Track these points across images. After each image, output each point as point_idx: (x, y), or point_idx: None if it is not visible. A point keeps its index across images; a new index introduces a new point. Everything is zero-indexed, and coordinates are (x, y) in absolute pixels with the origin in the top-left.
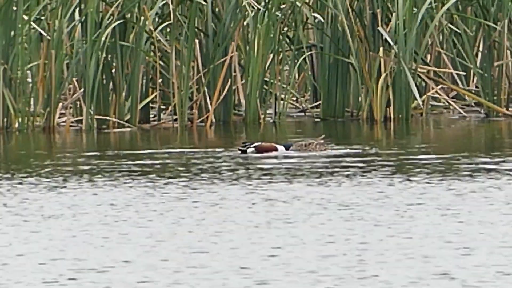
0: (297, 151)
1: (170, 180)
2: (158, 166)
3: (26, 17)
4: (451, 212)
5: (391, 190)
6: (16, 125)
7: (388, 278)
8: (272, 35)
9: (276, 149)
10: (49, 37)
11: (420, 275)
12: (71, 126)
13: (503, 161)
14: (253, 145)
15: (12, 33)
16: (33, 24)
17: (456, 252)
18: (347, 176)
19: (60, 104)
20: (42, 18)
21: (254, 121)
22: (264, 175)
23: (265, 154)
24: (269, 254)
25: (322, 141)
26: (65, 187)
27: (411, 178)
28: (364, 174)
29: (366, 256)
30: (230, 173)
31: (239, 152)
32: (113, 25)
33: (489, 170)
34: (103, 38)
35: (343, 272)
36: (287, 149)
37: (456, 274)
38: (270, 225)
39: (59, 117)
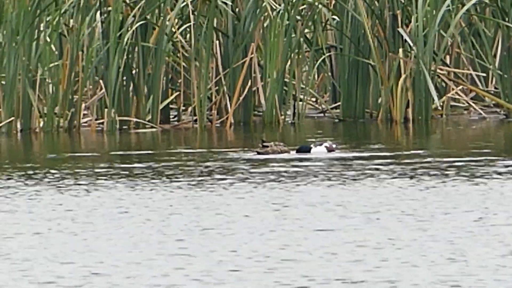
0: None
1: (201, 181)
2: (181, 168)
3: (50, 18)
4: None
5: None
6: (41, 126)
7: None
8: (291, 36)
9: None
10: (70, 39)
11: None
12: (96, 126)
13: None
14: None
15: (36, 34)
16: (57, 25)
17: (494, 252)
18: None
19: (83, 105)
20: (62, 18)
21: (273, 122)
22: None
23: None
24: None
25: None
26: (95, 188)
27: (440, 180)
28: (384, 176)
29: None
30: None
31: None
32: (134, 27)
33: (506, 170)
34: (125, 39)
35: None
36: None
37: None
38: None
39: (82, 118)
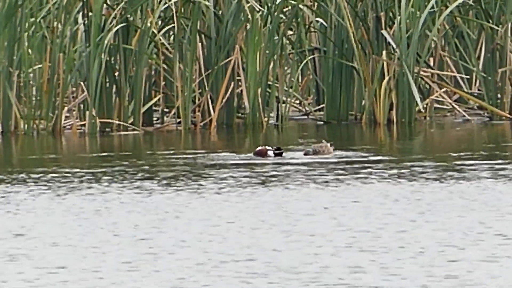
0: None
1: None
2: (165, 170)
3: (31, 20)
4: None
5: (396, 194)
6: (22, 128)
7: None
8: (274, 38)
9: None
10: (51, 40)
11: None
12: (77, 129)
13: (504, 164)
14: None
15: (17, 36)
16: (39, 27)
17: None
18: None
19: (65, 107)
20: (43, 20)
21: (257, 124)
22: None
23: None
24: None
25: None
26: (70, 191)
27: (413, 182)
28: (367, 177)
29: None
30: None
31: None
32: (116, 28)
33: (491, 173)
34: (106, 41)
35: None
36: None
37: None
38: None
39: (64, 120)
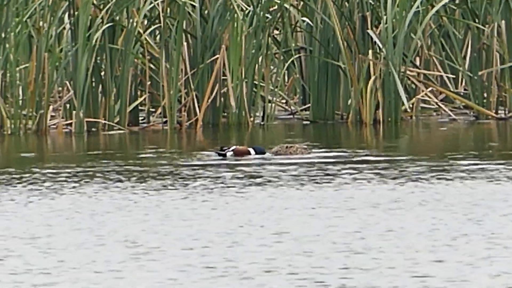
0: (278, 154)
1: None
2: (148, 169)
3: (17, 19)
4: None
5: (380, 192)
6: (8, 127)
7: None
8: (260, 38)
9: (249, 153)
10: (37, 40)
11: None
12: (63, 128)
13: (490, 164)
14: (231, 148)
15: (2, 35)
16: (25, 26)
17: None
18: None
19: (51, 107)
20: (29, 20)
21: (243, 124)
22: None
23: (242, 158)
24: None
25: (304, 145)
26: (57, 190)
27: (397, 181)
28: (350, 177)
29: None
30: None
31: (218, 155)
32: (102, 28)
33: (475, 172)
34: (93, 41)
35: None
36: (258, 153)
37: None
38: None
39: (50, 120)
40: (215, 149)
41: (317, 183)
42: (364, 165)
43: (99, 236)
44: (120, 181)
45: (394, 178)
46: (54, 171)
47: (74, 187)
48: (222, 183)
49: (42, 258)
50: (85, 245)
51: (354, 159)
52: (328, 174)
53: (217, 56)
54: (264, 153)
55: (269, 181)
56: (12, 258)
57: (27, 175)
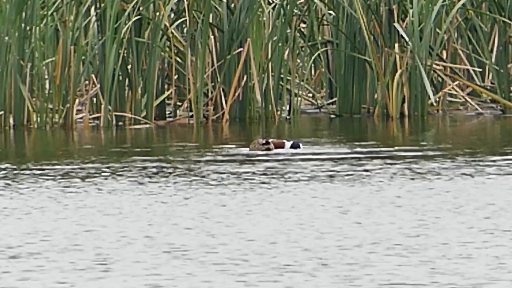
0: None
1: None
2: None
3: (42, 12)
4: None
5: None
6: (35, 121)
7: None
8: (287, 31)
9: (283, 146)
10: (63, 33)
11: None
12: (89, 123)
13: None
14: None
15: (28, 28)
16: (51, 20)
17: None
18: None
19: (77, 100)
20: (56, 13)
21: (269, 117)
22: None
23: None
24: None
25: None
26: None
27: (427, 177)
28: (378, 174)
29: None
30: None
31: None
32: (130, 22)
33: (502, 166)
34: (121, 35)
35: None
36: (294, 147)
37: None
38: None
39: (76, 114)
40: (257, 143)
41: (351, 180)
42: (391, 160)
43: (125, 232)
44: (147, 176)
45: (424, 173)
46: (82, 166)
47: (102, 182)
48: (249, 178)
49: (89, 260)
50: (121, 239)
51: (385, 154)
52: (363, 170)
53: (243, 50)
54: (299, 147)
55: (313, 177)
56: (45, 257)
57: (56, 167)
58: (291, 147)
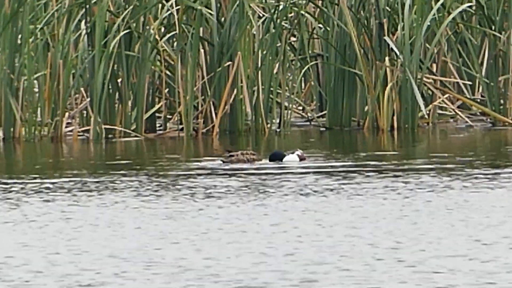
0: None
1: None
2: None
3: (32, 27)
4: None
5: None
6: (24, 135)
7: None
8: (277, 44)
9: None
10: (53, 47)
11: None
12: (78, 135)
13: (508, 171)
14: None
15: (18, 42)
16: (41, 33)
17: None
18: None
19: (66, 113)
20: (47, 27)
21: (259, 130)
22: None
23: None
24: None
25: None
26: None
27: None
28: (369, 183)
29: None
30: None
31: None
32: (119, 36)
33: (493, 179)
34: (110, 48)
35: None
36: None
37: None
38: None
39: (66, 127)
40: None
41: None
42: (382, 173)
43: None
44: (136, 189)
45: (410, 186)
46: (72, 179)
47: (93, 195)
48: (233, 192)
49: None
50: (113, 252)
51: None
52: (351, 183)
53: (230, 63)
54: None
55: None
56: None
57: (43, 180)
58: (271, 159)
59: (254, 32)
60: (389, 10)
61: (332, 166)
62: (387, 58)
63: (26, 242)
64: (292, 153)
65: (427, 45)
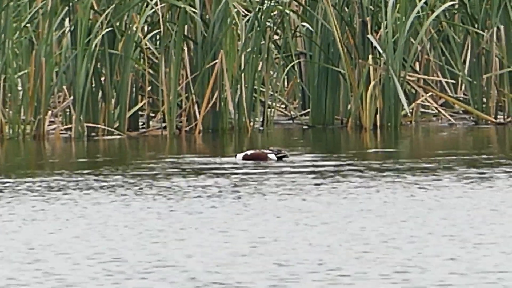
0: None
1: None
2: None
3: (15, 25)
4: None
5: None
6: (6, 133)
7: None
8: (261, 42)
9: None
10: (37, 45)
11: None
12: (60, 133)
13: (489, 169)
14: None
15: (1, 40)
16: (25, 31)
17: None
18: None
19: (50, 112)
20: (31, 25)
21: (242, 129)
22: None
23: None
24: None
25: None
26: (57, 196)
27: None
28: (345, 182)
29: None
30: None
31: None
32: (102, 33)
33: (475, 177)
34: (93, 46)
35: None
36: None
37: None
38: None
39: (49, 125)
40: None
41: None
42: (367, 171)
43: (89, 243)
44: (118, 187)
45: (392, 185)
46: (53, 178)
47: (70, 193)
48: (223, 191)
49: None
50: (91, 255)
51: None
52: (334, 182)
53: (216, 61)
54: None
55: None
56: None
57: (25, 179)
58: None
59: (238, 31)
60: (373, 8)
61: (314, 165)
62: (370, 57)
63: None
64: (271, 152)
65: (411, 41)
